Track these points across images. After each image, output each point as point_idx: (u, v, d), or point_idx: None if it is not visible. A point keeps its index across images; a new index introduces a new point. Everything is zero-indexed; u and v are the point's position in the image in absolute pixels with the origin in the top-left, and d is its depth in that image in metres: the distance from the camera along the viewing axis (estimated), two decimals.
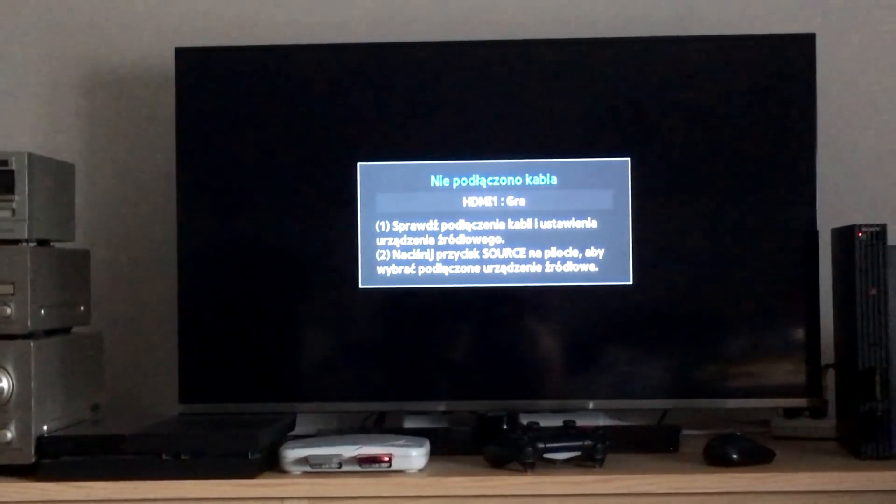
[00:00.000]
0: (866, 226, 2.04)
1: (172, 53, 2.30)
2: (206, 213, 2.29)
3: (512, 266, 2.26)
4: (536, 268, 2.26)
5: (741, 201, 2.26)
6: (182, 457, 1.98)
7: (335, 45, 2.37)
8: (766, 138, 2.26)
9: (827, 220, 2.23)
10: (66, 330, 2.21)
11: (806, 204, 2.24)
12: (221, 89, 2.31)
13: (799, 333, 2.24)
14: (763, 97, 2.27)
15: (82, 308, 2.25)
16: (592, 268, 2.26)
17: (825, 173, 2.27)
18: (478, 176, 2.27)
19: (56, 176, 2.18)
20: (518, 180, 2.27)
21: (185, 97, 2.29)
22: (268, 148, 2.30)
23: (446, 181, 2.27)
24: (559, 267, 2.26)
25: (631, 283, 2.25)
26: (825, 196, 2.26)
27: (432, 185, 2.27)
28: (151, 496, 1.95)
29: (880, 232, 2.04)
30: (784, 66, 2.26)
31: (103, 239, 2.48)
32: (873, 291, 2.03)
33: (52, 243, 2.18)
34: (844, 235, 2.10)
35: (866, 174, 2.44)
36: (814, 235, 2.23)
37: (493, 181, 2.27)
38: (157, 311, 2.45)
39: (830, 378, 2.22)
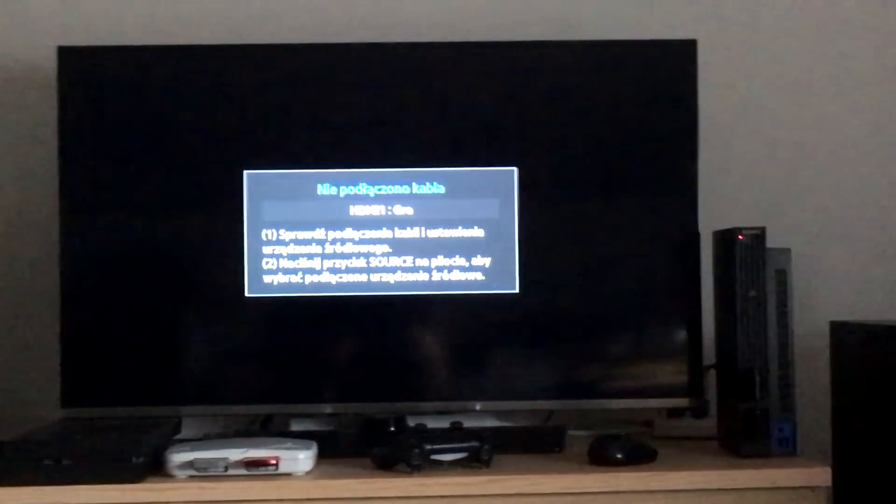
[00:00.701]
0: (746, 228, 2.08)
1: (55, 52, 2.27)
2: (89, 216, 2.26)
3: (399, 275, 2.26)
4: (423, 276, 2.27)
5: (625, 205, 2.28)
6: (64, 462, 1.94)
7: (220, 45, 2.35)
8: (649, 143, 2.29)
9: (708, 222, 2.26)
10: None
11: (687, 207, 2.27)
12: (106, 90, 2.27)
13: (681, 335, 2.27)
14: (646, 102, 2.30)
15: None
16: (479, 276, 2.27)
17: (706, 177, 2.31)
18: (365, 184, 2.27)
19: None
20: (405, 189, 2.27)
21: (68, 97, 2.25)
22: (153, 151, 2.27)
23: (333, 189, 2.27)
24: (446, 276, 2.26)
25: (517, 291, 2.26)
26: (706, 199, 2.30)
27: (319, 193, 2.27)
28: (33, 502, 1.92)
29: (760, 235, 2.08)
30: (666, 71, 2.29)
31: None
32: (753, 293, 2.07)
33: None
34: (725, 238, 2.13)
35: (746, 178, 2.49)
36: (695, 238, 2.27)
37: (380, 190, 2.27)
38: (39, 313, 2.41)
39: (712, 378, 2.25)
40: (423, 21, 2.47)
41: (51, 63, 2.27)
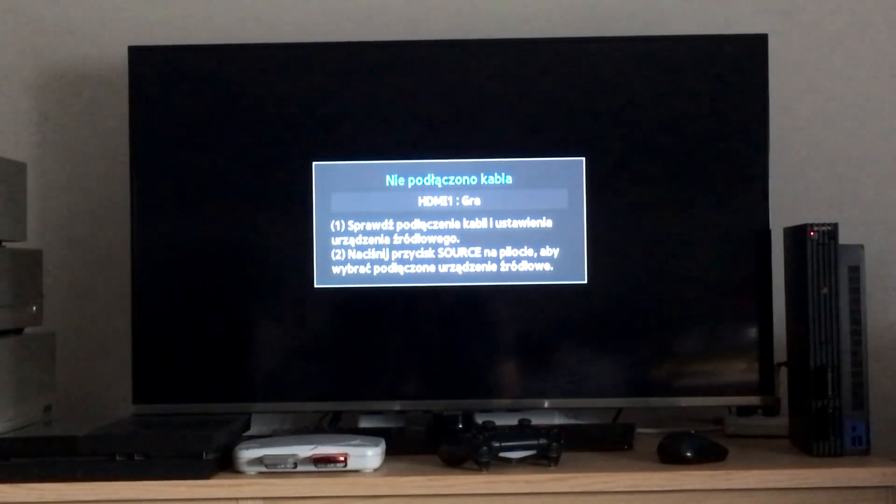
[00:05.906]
0: (818, 225, 2.06)
1: (125, 52, 2.29)
2: (160, 213, 2.28)
3: (467, 265, 2.27)
4: (492, 267, 2.27)
5: (694, 201, 2.27)
6: (136, 458, 1.96)
7: (289, 43, 2.36)
8: (719, 138, 2.27)
9: (779, 219, 2.24)
10: (18, 331, 2.19)
11: (758, 203, 2.25)
12: (175, 88, 2.29)
13: (752, 332, 2.25)
14: (716, 97, 2.28)
15: (35, 308, 2.23)
16: (547, 267, 2.26)
17: (777, 173, 2.29)
18: (433, 175, 2.27)
19: (7, 175, 2.16)
20: (473, 180, 2.27)
21: (139, 96, 2.28)
22: (222, 147, 2.29)
23: (401, 180, 2.27)
24: (514, 266, 2.26)
25: (585, 282, 2.26)
26: (777, 195, 2.27)
27: (387, 184, 2.27)
28: (105, 498, 1.94)
29: (832, 231, 2.06)
30: (737, 66, 2.28)
31: (56, 238, 2.46)
32: (825, 290, 2.05)
33: (3, 243, 2.16)
34: (796, 235, 2.11)
35: (818, 173, 2.46)
36: (766, 234, 2.25)
37: (448, 181, 2.27)
38: (111, 310, 2.44)
39: (783, 376, 2.23)
40: (489, 15, 2.46)
41: (122, 62, 2.30)
